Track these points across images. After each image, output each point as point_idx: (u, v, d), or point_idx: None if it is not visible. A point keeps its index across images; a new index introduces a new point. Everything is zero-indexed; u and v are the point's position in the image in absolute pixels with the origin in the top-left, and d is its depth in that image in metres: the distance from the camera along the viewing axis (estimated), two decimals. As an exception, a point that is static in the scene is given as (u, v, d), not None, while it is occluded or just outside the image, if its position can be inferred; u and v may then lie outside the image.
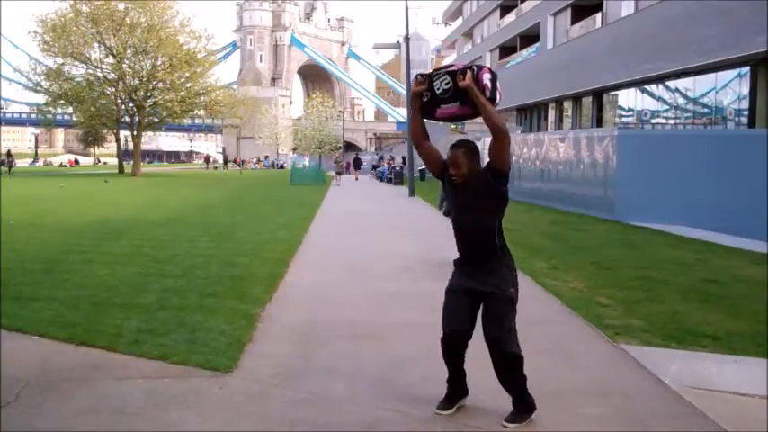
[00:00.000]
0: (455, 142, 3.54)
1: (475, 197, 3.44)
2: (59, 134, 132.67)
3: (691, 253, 9.41)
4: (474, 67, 3.46)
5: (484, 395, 3.82)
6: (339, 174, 32.95)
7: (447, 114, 3.57)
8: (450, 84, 3.46)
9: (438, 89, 3.50)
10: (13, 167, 43.23)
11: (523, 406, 3.50)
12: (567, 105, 30.33)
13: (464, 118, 3.63)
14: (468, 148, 3.47)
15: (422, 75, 3.57)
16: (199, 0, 66.84)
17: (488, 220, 3.46)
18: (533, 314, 5.86)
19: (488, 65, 40.30)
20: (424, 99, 3.56)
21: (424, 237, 11.33)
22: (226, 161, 74.87)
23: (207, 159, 74.88)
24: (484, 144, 27.55)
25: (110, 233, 10.72)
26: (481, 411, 3.59)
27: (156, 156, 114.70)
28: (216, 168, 63.11)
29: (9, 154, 45.15)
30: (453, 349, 3.59)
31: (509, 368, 3.48)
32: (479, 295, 3.51)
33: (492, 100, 3.42)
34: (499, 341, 3.46)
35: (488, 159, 3.44)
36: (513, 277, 3.59)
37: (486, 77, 3.42)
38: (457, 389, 3.66)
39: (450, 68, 3.51)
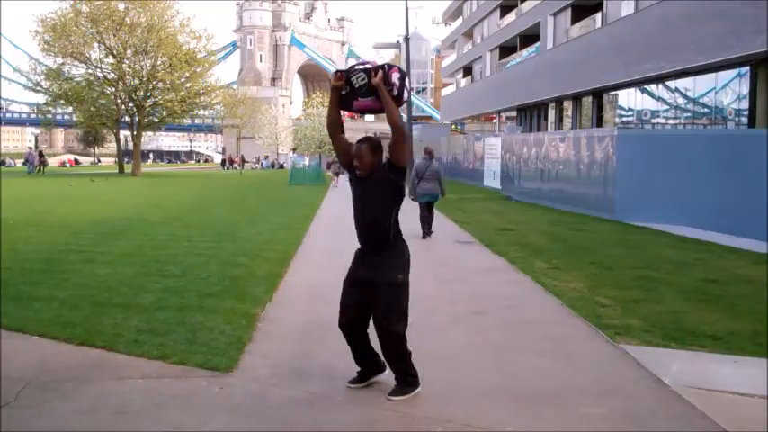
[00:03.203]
0: (361, 138, 3.85)
1: (374, 190, 3.73)
2: (59, 134, 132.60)
3: (691, 253, 9.41)
4: (385, 66, 3.78)
5: (484, 395, 3.83)
6: (337, 174, 32.74)
7: (363, 107, 3.90)
8: (366, 80, 3.78)
9: (356, 84, 3.82)
10: (46, 166, 44.59)
11: (408, 379, 3.77)
12: (567, 105, 30.33)
13: (379, 111, 3.91)
14: (371, 143, 3.77)
15: (340, 71, 3.87)
16: (199, 0, 66.79)
17: (385, 211, 3.75)
18: (533, 314, 5.88)
19: (488, 65, 40.36)
20: (343, 92, 3.86)
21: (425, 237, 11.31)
22: (224, 162, 72.63)
23: (230, 161, 66.58)
24: (484, 144, 27.60)
25: (110, 233, 10.72)
26: (481, 411, 3.58)
27: (158, 155, 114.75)
28: (227, 169, 61.88)
29: (42, 154, 45.97)
30: (348, 334, 3.87)
31: (391, 345, 3.73)
32: (370, 284, 3.74)
33: (399, 97, 3.76)
34: (383, 325, 3.71)
35: (389, 154, 3.76)
36: (402, 263, 3.81)
37: (396, 76, 3.76)
38: (366, 366, 3.92)
39: (366, 66, 3.84)
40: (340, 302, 3.88)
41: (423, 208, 11.19)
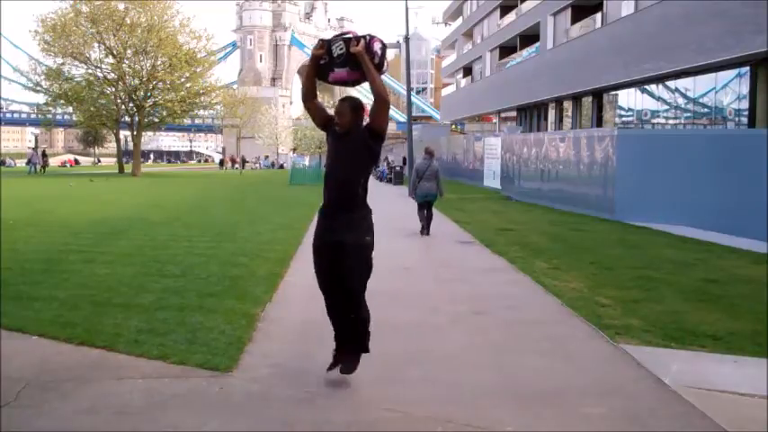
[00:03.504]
0: (343, 97, 3.96)
1: (351, 151, 3.85)
2: (59, 134, 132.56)
3: (691, 253, 9.41)
4: (367, 36, 3.84)
5: (484, 395, 3.83)
6: None
7: (337, 78, 3.96)
8: (344, 49, 3.83)
9: (334, 53, 3.87)
10: (48, 166, 44.92)
11: (360, 349, 3.95)
12: (567, 105, 30.33)
13: (353, 83, 4.03)
14: (352, 102, 3.88)
15: (322, 40, 3.98)
16: (199, 0, 66.80)
17: (357, 173, 3.89)
18: (533, 314, 5.88)
19: (488, 65, 40.36)
20: (322, 62, 3.92)
21: (424, 237, 11.31)
22: (221, 162, 70.82)
23: (232, 160, 66.05)
24: (484, 144, 27.60)
25: (110, 233, 10.72)
26: (481, 411, 3.59)
27: (158, 155, 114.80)
28: (226, 169, 61.74)
29: (44, 154, 46.10)
30: (330, 304, 3.98)
31: (355, 304, 3.87)
32: (340, 246, 3.82)
33: (380, 67, 3.84)
34: (352, 292, 3.84)
35: (369, 120, 3.87)
36: (369, 225, 3.93)
37: (377, 46, 3.84)
38: (341, 347, 4.01)
39: (346, 35, 3.88)
40: (316, 273, 3.97)
41: (421, 207, 11.49)
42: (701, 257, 8.99)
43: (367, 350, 4.01)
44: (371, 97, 3.91)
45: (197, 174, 48.89)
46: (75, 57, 39.08)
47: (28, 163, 44.41)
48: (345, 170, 3.87)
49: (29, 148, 73.80)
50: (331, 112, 4.02)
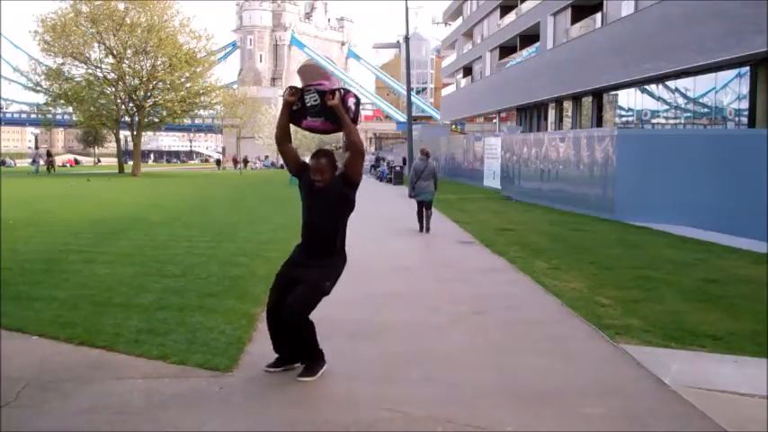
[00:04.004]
0: (316, 151, 4.04)
1: (327, 202, 3.94)
2: (59, 134, 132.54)
3: (691, 253, 9.41)
4: (342, 90, 3.96)
5: (484, 395, 3.83)
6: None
7: (311, 126, 4.06)
8: (318, 101, 3.93)
9: (308, 103, 3.96)
10: (54, 165, 45.14)
11: (314, 361, 4.03)
12: (567, 105, 30.33)
13: (325, 132, 4.13)
14: (329, 159, 3.97)
15: (293, 87, 4.05)
16: (199, 0, 66.82)
17: (333, 222, 3.99)
18: (533, 314, 5.88)
19: (488, 65, 40.37)
20: (294, 108, 4.02)
21: (424, 237, 11.32)
22: (219, 161, 70.31)
23: (234, 161, 65.66)
24: (484, 144, 27.61)
25: (110, 233, 10.72)
26: (481, 411, 3.59)
27: (158, 155, 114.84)
28: (224, 169, 61.80)
29: (49, 154, 46.13)
30: (271, 321, 4.06)
31: (296, 330, 3.94)
32: (298, 282, 3.96)
33: (354, 120, 3.99)
34: (293, 309, 3.89)
35: (344, 170, 3.97)
36: (334, 274, 4.05)
37: (351, 101, 3.98)
38: (284, 354, 4.12)
39: (320, 87, 3.96)
40: (271, 292, 4.11)
41: (420, 205, 11.83)
42: (700, 257, 8.99)
43: (313, 358, 4.05)
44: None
45: (197, 174, 48.88)
46: (75, 57, 39.11)
47: (32, 162, 44.54)
48: (321, 221, 3.97)
49: (29, 147, 73.88)
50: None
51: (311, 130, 4.13)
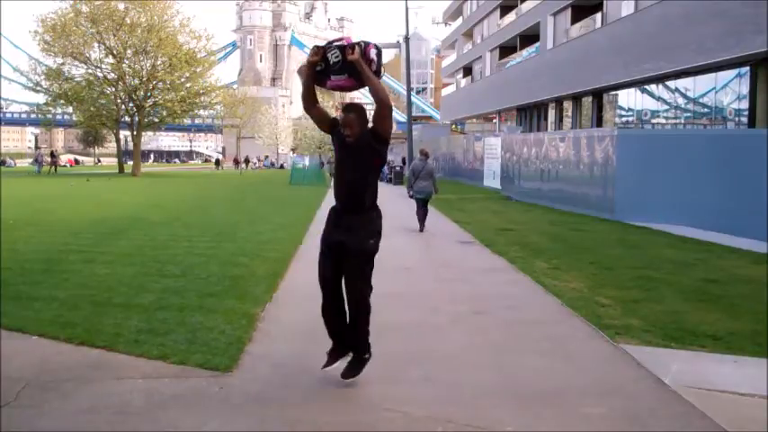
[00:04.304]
0: (346, 105, 3.99)
1: (359, 156, 3.89)
2: (59, 134, 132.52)
3: (691, 253, 9.41)
4: (362, 43, 3.85)
5: (484, 395, 3.83)
6: (333, 175, 32.48)
7: (336, 85, 3.97)
8: (340, 57, 3.83)
9: (330, 61, 3.87)
10: (58, 165, 44.99)
11: (361, 361, 3.95)
12: (567, 105, 30.33)
13: (351, 89, 4.06)
14: (358, 113, 3.90)
15: (317, 46, 3.96)
16: (199, 0, 66.84)
17: (365, 177, 3.93)
18: (533, 314, 5.88)
19: (488, 65, 40.36)
20: (318, 68, 3.92)
21: (424, 237, 11.32)
22: (218, 161, 69.87)
23: (235, 161, 65.63)
24: (484, 144, 27.61)
25: (110, 233, 10.72)
26: (481, 411, 3.59)
27: (158, 155, 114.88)
28: (223, 169, 61.73)
29: (53, 154, 46.19)
30: (327, 305, 4.00)
31: (361, 318, 3.91)
32: (342, 247, 3.89)
33: (377, 73, 3.88)
34: (357, 296, 3.87)
35: (372, 125, 3.91)
36: (374, 229, 3.97)
37: (373, 52, 3.86)
38: (338, 342, 4.04)
39: (341, 42, 3.87)
40: (319, 269, 4.00)
41: (419, 204, 12.09)
42: (701, 257, 8.99)
43: (365, 352, 3.99)
44: (363, 91, 3.93)
45: (197, 174, 48.88)
46: (76, 57, 39.09)
47: (34, 162, 44.53)
48: (354, 175, 3.91)
49: (29, 147, 73.91)
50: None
51: (337, 88, 4.06)
